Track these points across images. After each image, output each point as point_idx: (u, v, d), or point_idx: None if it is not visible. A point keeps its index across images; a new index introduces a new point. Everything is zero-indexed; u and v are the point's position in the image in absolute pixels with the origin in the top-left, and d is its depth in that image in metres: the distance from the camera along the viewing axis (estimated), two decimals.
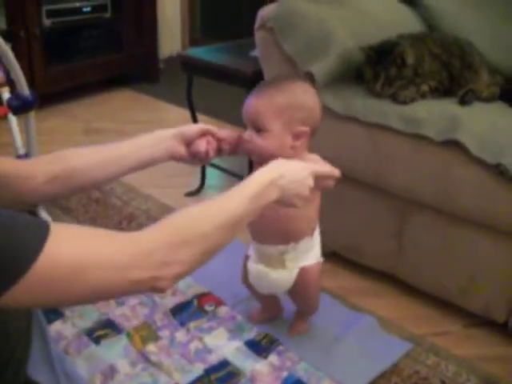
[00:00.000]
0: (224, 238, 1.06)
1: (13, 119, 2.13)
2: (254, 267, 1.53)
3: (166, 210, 2.26)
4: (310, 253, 1.49)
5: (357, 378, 1.49)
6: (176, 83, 3.01)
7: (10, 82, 2.05)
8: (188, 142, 1.34)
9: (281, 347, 1.58)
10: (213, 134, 1.36)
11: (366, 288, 1.88)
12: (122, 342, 1.58)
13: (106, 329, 1.62)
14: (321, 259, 1.53)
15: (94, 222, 2.19)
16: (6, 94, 2.09)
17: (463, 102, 1.69)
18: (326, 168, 1.30)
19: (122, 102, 3.46)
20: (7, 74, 2.00)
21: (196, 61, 2.36)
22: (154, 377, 1.47)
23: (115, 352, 1.55)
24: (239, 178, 2.10)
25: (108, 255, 0.91)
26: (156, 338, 1.60)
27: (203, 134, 1.35)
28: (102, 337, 1.59)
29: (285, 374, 1.50)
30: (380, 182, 1.75)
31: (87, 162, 1.25)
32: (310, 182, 1.21)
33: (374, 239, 1.86)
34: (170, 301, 1.74)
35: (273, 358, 1.55)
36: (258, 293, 1.60)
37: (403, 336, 1.64)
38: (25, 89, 2.04)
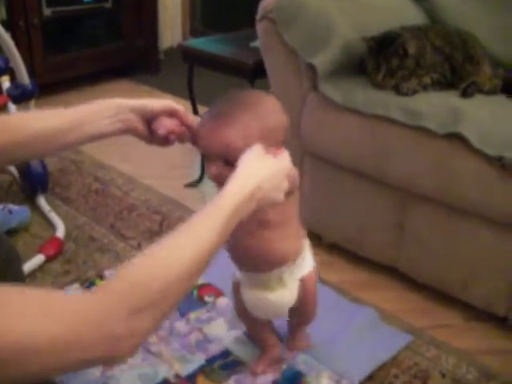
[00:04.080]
0: (192, 281, 0.90)
1: (12, 108, 2.13)
2: (250, 294, 1.37)
3: (166, 201, 2.26)
4: (303, 262, 1.35)
5: (356, 370, 1.48)
6: (176, 74, 3.00)
7: (10, 71, 2.05)
8: (149, 119, 1.16)
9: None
10: (180, 117, 1.18)
11: (367, 280, 1.88)
12: None
13: None
14: (314, 264, 1.38)
15: (94, 211, 2.19)
16: (6, 83, 2.09)
17: (465, 94, 1.69)
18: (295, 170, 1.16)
19: (122, 92, 3.44)
20: (7, 62, 2.00)
21: (197, 51, 2.35)
22: (154, 367, 1.47)
23: None
24: None
25: (49, 338, 0.73)
26: None
27: (169, 113, 1.17)
28: None
29: (284, 366, 1.49)
30: (381, 174, 1.74)
31: (35, 134, 1.07)
32: (285, 186, 1.10)
33: (375, 232, 1.86)
34: None
35: None
36: (254, 326, 1.47)
37: (403, 328, 1.64)
38: (25, 78, 2.03)
